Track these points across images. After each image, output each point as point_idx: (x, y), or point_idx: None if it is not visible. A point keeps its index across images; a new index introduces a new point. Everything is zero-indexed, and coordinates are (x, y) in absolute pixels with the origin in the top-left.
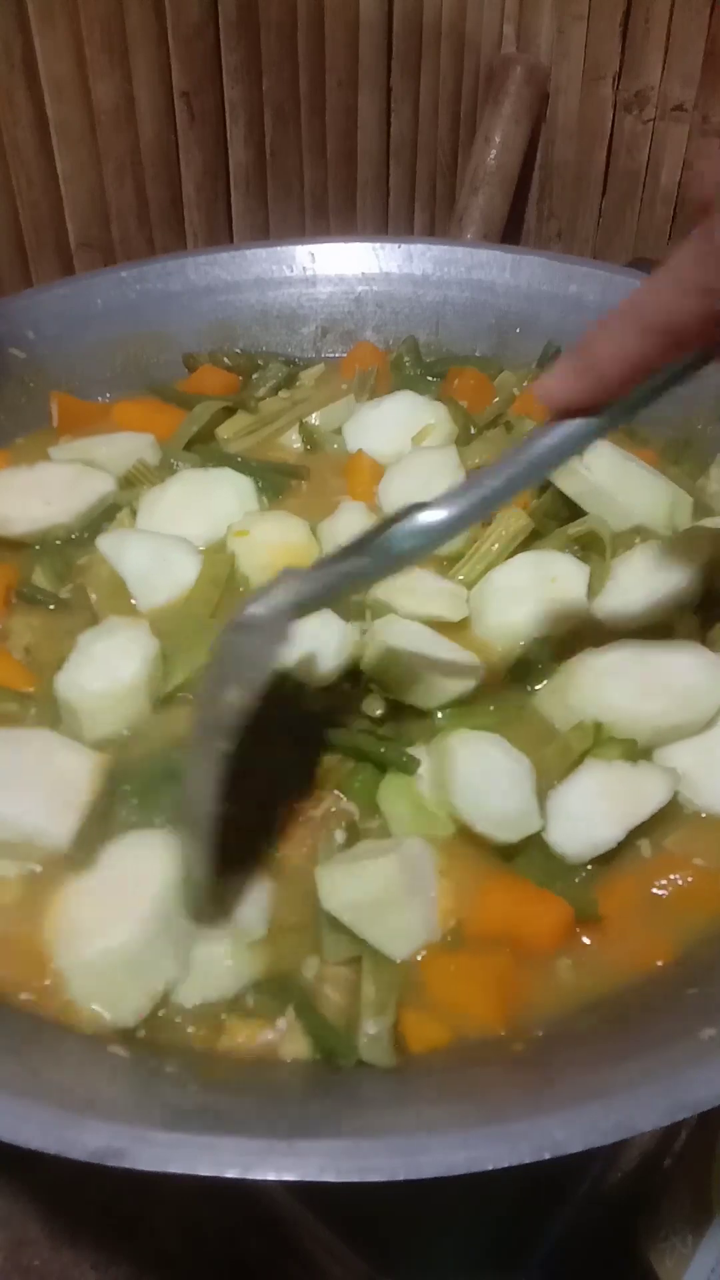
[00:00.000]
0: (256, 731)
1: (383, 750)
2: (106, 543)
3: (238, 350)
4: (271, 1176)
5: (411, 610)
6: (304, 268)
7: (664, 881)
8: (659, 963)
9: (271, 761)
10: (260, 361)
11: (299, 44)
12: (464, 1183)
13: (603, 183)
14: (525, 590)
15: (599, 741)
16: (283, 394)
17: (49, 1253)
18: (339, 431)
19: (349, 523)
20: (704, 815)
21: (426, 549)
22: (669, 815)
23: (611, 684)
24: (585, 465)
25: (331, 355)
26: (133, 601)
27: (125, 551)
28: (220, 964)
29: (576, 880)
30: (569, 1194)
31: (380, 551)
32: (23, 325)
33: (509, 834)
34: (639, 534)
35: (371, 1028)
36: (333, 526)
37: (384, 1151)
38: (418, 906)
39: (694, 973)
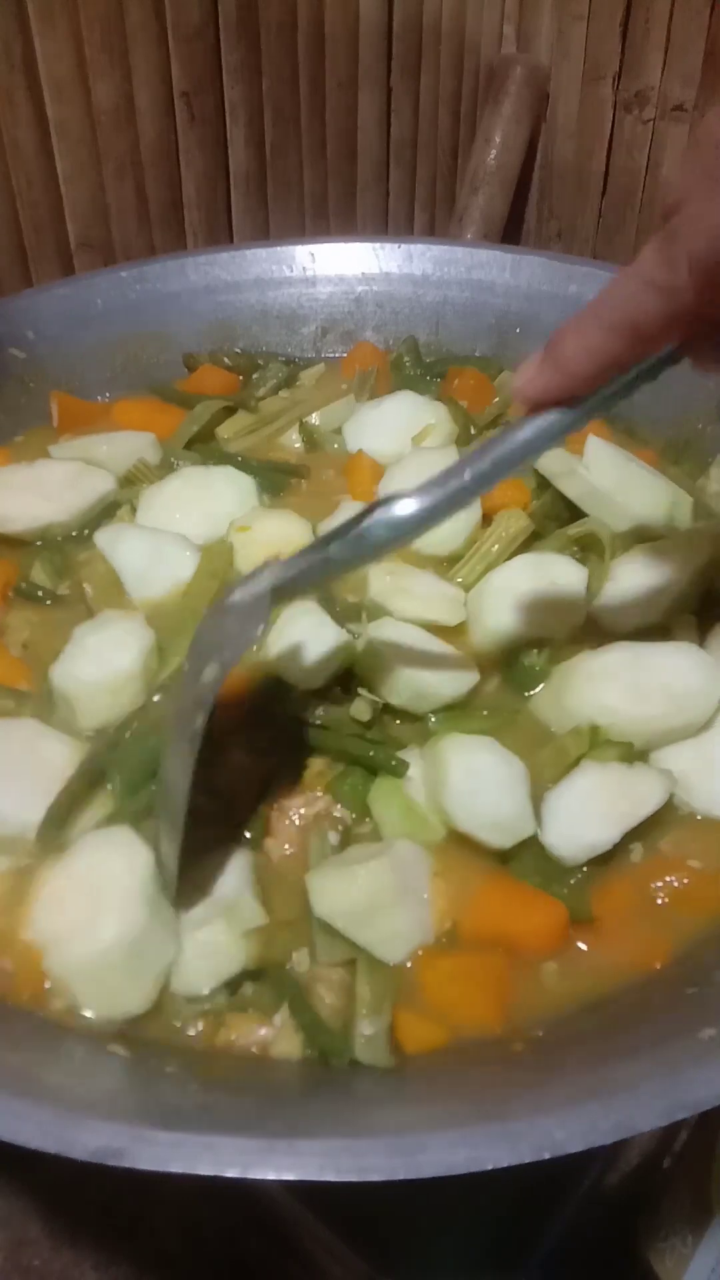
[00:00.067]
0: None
1: (372, 754)
2: (103, 537)
3: (238, 350)
4: (271, 1176)
5: (408, 613)
6: (304, 268)
7: (660, 883)
8: (656, 964)
9: (263, 761)
10: (260, 361)
11: (299, 44)
12: (464, 1183)
13: (603, 183)
14: (523, 592)
15: (595, 744)
16: (283, 394)
17: (49, 1253)
18: (339, 431)
19: None
20: (700, 817)
21: (401, 539)
22: (665, 817)
23: (608, 686)
24: (585, 466)
25: (331, 355)
26: (128, 596)
27: (121, 546)
28: (217, 949)
29: (572, 882)
30: (569, 1194)
31: (357, 541)
32: (23, 325)
33: (502, 839)
34: (638, 535)
35: (368, 1028)
36: (333, 525)
37: (383, 1151)
38: (411, 909)
39: (692, 973)
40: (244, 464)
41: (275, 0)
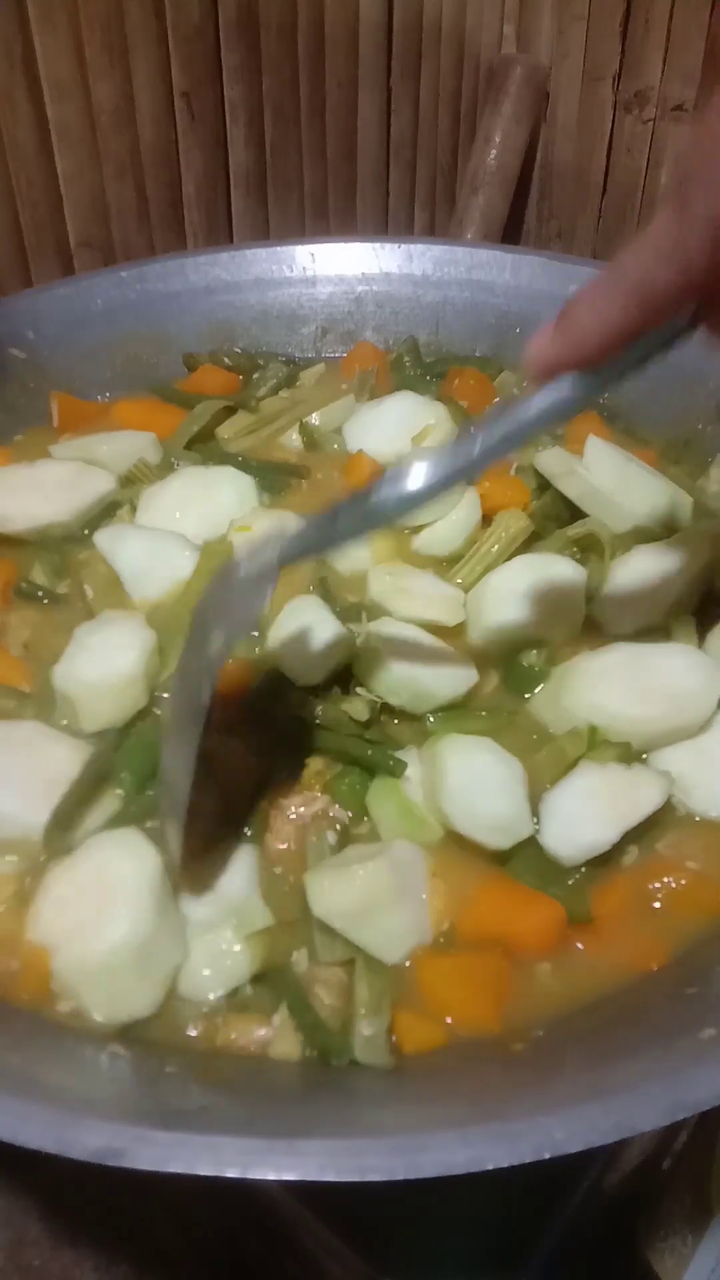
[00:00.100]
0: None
1: (369, 753)
2: (103, 538)
3: (238, 350)
4: (271, 1176)
5: (408, 613)
6: (304, 268)
7: (657, 884)
8: (653, 965)
9: (262, 761)
10: (260, 361)
11: (299, 44)
12: (464, 1183)
13: (603, 183)
14: (523, 593)
15: (594, 745)
16: (283, 394)
17: (49, 1253)
18: (339, 431)
19: None
20: (698, 818)
21: (408, 510)
22: (663, 818)
23: (606, 687)
24: (585, 466)
25: (331, 355)
26: (129, 596)
27: (121, 546)
28: (226, 954)
29: (570, 883)
30: (569, 1194)
31: (365, 511)
32: (23, 325)
33: (500, 840)
34: (638, 535)
35: (367, 1029)
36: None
37: (384, 1151)
38: (409, 910)
39: (693, 973)
40: (244, 464)
41: (275, 0)
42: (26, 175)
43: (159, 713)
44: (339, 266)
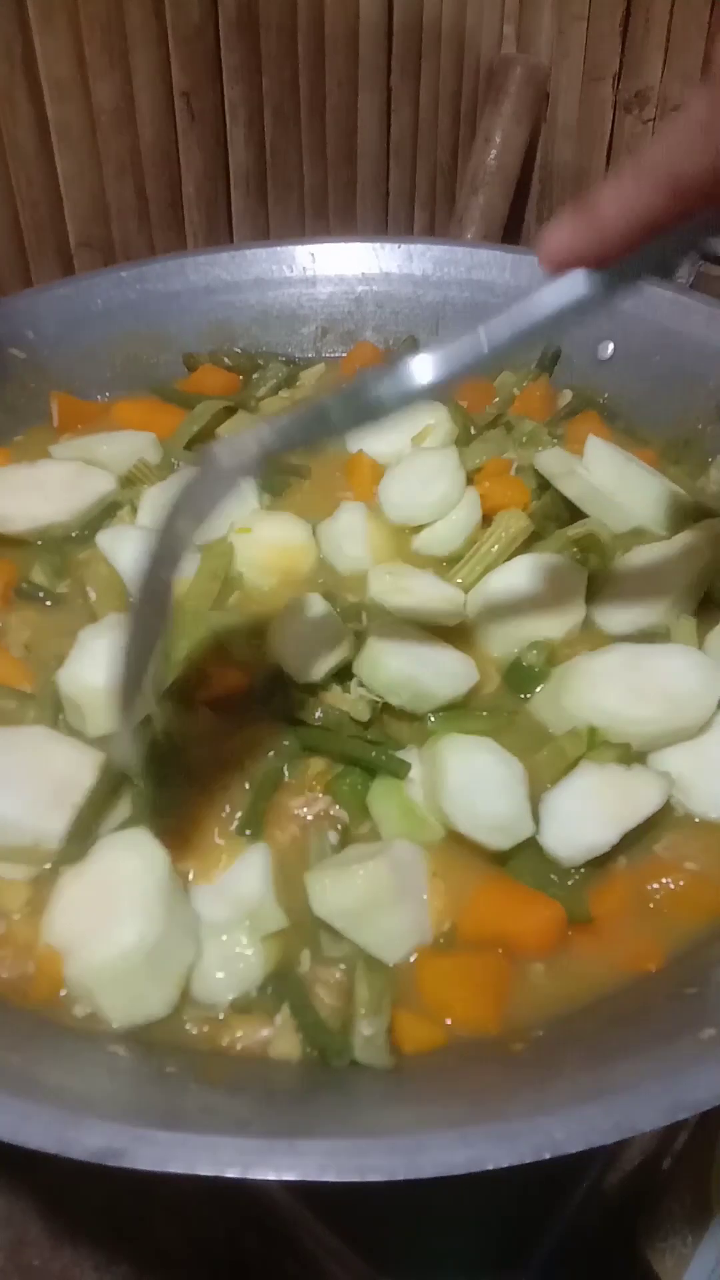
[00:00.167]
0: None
1: (373, 754)
2: (105, 539)
3: (238, 350)
4: (271, 1176)
5: (407, 613)
6: (304, 268)
7: (656, 885)
8: (651, 966)
9: (263, 760)
10: (260, 361)
11: (299, 44)
12: (464, 1183)
13: None
14: (523, 593)
15: (593, 745)
16: (283, 394)
17: (49, 1253)
18: None
19: (349, 523)
20: (697, 819)
21: (407, 404)
22: (662, 819)
23: (606, 687)
24: (585, 466)
25: (331, 355)
26: (131, 598)
27: (123, 548)
28: (240, 957)
29: (570, 883)
30: (569, 1194)
31: (363, 404)
32: (23, 325)
33: (500, 840)
34: (638, 536)
35: (367, 1029)
36: (333, 527)
37: (384, 1151)
38: (409, 910)
39: (692, 973)
40: None
41: (275, 0)
42: (26, 175)
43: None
44: (339, 266)
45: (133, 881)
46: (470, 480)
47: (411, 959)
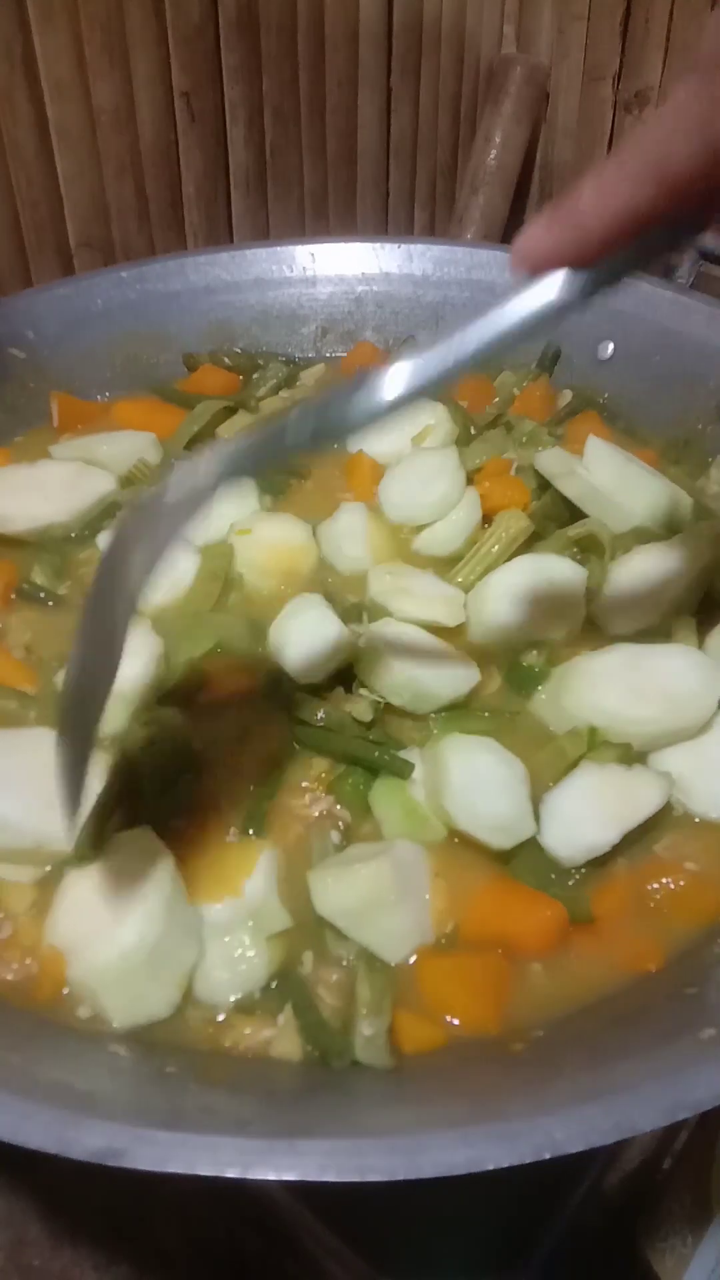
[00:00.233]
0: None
1: (376, 754)
2: (105, 540)
3: (238, 350)
4: (271, 1176)
5: (408, 614)
6: (304, 268)
7: (656, 885)
8: (650, 967)
9: (265, 761)
10: (260, 361)
11: (299, 44)
12: (464, 1183)
13: None
14: (523, 594)
15: (594, 745)
16: (283, 394)
17: (49, 1253)
18: None
19: (349, 523)
20: (697, 820)
21: (373, 422)
22: (662, 819)
23: (606, 688)
24: (585, 466)
25: (331, 355)
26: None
27: None
28: (243, 958)
29: (570, 883)
30: (569, 1194)
31: (324, 423)
32: (23, 325)
33: (503, 840)
34: (638, 536)
35: (368, 1029)
36: (333, 527)
37: (384, 1151)
38: (411, 909)
39: (692, 973)
40: None
41: (275, 0)
42: (26, 175)
43: (165, 712)
44: (339, 266)
45: (134, 883)
46: (470, 480)
47: (413, 958)
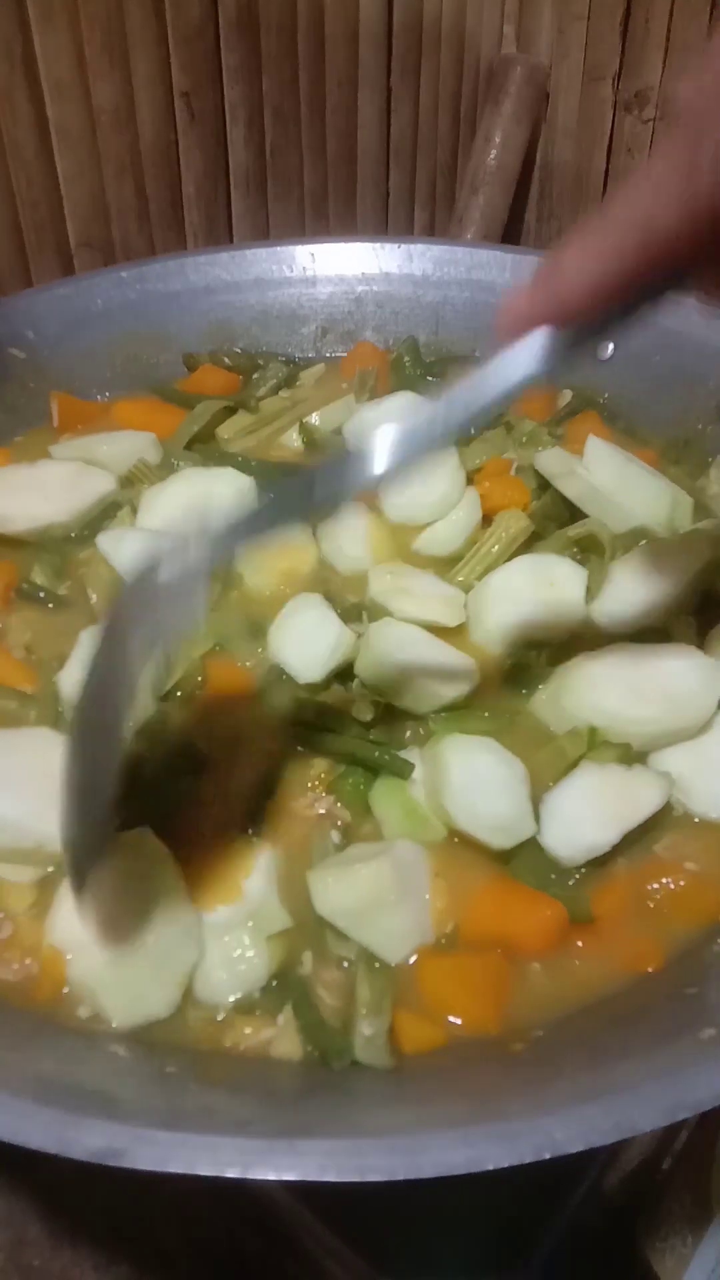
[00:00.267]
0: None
1: (377, 754)
2: (105, 541)
3: (238, 350)
4: (271, 1176)
5: (408, 614)
6: (304, 268)
7: (656, 885)
8: (649, 967)
9: (265, 761)
10: (260, 361)
11: (299, 44)
12: (464, 1183)
13: (603, 183)
14: (523, 594)
15: (593, 745)
16: (283, 394)
17: (49, 1253)
18: (339, 431)
19: (349, 523)
20: (697, 820)
21: (360, 494)
22: (662, 819)
23: (606, 688)
24: (585, 466)
25: (331, 355)
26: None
27: (124, 549)
28: (242, 958)
29: (570, 883)
30: (569, 1194)
31: (311, 500)
32: (23, 325)
33: (503, 840)
34: (638, 536)
35: (367, 1029)
36: (333, 527)
37: (384, 1151)
38: (411, 909)
39: (692, 973)
40: (244, 464)
41: (275, 0)
42: (26, 175)
43: (166, 712)
44: (339, 266)
45: (135, 882)
46: (470, 480)
47: (413, 958)
